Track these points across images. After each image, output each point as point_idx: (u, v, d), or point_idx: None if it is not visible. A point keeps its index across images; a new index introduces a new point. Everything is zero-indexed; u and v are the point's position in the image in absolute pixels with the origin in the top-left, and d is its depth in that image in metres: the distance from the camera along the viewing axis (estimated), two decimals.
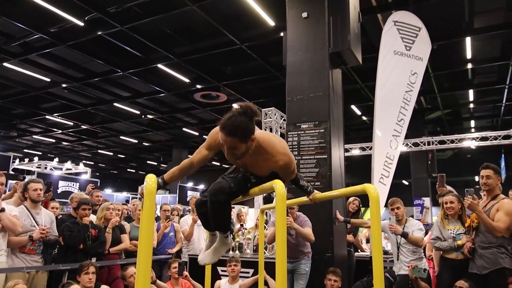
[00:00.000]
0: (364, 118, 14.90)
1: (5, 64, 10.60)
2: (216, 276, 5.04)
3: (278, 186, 1.90)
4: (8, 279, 3.62)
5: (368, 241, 6.13)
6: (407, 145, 11.55)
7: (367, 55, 7.42)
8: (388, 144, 5.52)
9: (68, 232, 4.18)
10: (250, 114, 2.12)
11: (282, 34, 5.83)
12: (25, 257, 3.96)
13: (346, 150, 11.13)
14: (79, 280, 3.68)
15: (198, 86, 12.29)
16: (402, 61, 5.74)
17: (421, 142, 11.84)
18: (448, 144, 11.79)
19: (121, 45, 9.60)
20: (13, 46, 9.77)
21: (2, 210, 3.67)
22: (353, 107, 13.70)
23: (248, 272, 5.09)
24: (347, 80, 10.85)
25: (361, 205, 5.49)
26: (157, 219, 5.88)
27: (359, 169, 10.10)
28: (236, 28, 8.86)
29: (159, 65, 10.67)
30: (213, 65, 10.91)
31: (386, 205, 4.89)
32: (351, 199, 5.48)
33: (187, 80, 11.78)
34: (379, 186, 5.36)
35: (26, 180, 4.68)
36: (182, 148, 20.23)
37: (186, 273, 4.79)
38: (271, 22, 8.44)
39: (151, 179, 1.77)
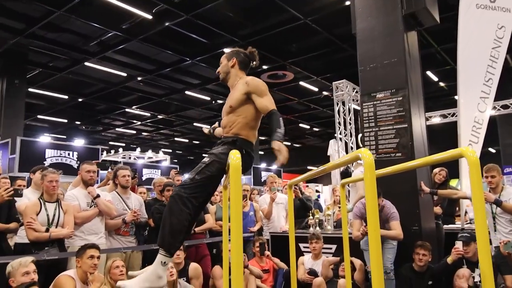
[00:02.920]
0: (441, 84, 13.87)
1: (86, 63, 11.43)
2: (298, 253, 5.07)
3: (365, 154, 1.79)
4: (108, 259, 3.95)
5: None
6: (494, 108, 10.56)
7: (442, 14, 6.86)
8: (476, 107, 5.06)
9: (157, 214, 4.45)
10: (251, 54, 2.77)
11: (348, 3, 5.57)
12: (121, 239, 4.29)
13: (426, 119, 10.49)
14: None
15: (264, 67, 12.26)
16: (486, 14, 5.17)
17: (511, 104, 10.75)
18: None
19: (188, 34, 9.85)
20: (91, 45, 10.46)
21: (98, 196, 3.98)
22: (428, 73, 12.81)
23: (330, 248, 5.05)
24: (421, 45, 10.09)
25: (448, 176, 5.15)
26: None
27: (441, 139, 9.45)
28: (299, 3, 8.63)
29: (225, 50, 10.80)
30: (278, 44, 10.79)
31: None
32: (436, 169, 5.16)
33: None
34: None
35: (115, 168, 5.04)
36: None
37: (267, 252, 4.88)
38: None
39: (235, 155, 1.77)
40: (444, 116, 10.61)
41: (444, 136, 7.42)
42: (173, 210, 2.28)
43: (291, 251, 3.50)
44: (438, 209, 5.04)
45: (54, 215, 3.65)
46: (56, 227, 3.63)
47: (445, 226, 5.18)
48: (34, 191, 3.99)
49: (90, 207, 3.99)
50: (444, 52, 10.87)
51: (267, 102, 2.49)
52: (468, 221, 5.61)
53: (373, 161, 1.79)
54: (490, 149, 18.36)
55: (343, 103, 8.47)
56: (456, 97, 5.54)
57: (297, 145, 26.72)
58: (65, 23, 9.24)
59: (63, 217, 3.70)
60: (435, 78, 13.40)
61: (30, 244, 3.51)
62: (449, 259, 3.85)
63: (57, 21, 9.10)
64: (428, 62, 11.72)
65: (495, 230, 4.05)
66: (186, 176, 2.53)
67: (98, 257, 3.30)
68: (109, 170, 4.89)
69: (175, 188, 2.43)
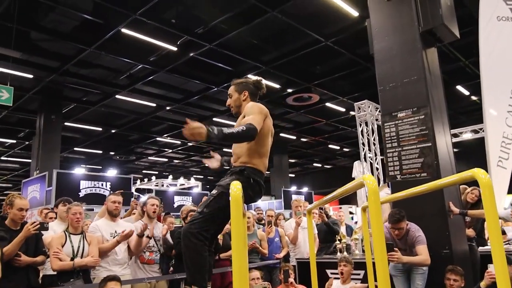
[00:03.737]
0: (473, 98, 13.44)
1: (117, 96, 11.90)
2: (325, 279, 4.94)
3: (369, 180, 1.76)
4: None
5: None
6: None
7: (467, 28, 6.71)
8: (504, 122, 4.84)
9: (177, 239, 4.48)
10: (257, 84, 2.84)
11: (366, 22, 5.56)
12: (146, 267, 4.31)
13: (456, 135, 10.10)
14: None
15: (289, 90, 12.33)
16: (508, 27, 5.02)
17: None
18: None
19: (212, 62, 10.10)
20: (121, 79, 10.91)
21: (142, 236, 4.06)
22: (459, 87, 12.46)
23: (359, 274, 4.88)
24: (448, 59, 9.92)
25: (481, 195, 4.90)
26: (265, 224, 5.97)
27: (474, 155, 9.09)
28: (320, 26, 8.71)
29: (249, 75, 10.96)
30: (301, 67, 10.87)
31: (509, 192, 4.31)
32: (469, 189, 4.94)
33: (277, 86, 11.91)
34: (498, 171, 4.74)
35: (146, 197, 5.14)
36: (282, 153, 20.45)
37: (291, 280, 4.78)
38: (354, 13, 8.12)
39: (236, 186, 1.77)
40: (476, 131, 10.22)
41: (478, 152, 7.12)
42: (188, 246, 2.33)
43: (313, 278, 3.42)
44: (471, 231, 4.80)
45: (78, 246, 3.74)
46: (81, 258, 3.72)
47: (480, 248, 4.91)
48: (59, 224, 4.12)
49: (114, 238, 4.06)
50: (473, 65, 10.59)
51: (248, 119, 2.49)
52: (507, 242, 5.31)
53: (376, 187, 1.75)
54: None
55: (366, 124, 8.34)
56: None
57: (328, 167, 26.38)
58: (96, 59, 9.72)
59: (88, 248, 3.78)
60: (467, 92, 13.02)
61: (56, 276, 3.60)
62: (483, 284, 3.63)
63: (89, 58, 9.58)
64: (457, 77, 11.44)
65: None
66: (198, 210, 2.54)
67: None
68: (132, 199, 4.99)
69: (184, 225, 2.47)
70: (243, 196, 1.81)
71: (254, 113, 2.53)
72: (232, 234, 1.73)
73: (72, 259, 3.66)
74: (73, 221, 3.77)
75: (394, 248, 3.87)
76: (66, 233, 3.77)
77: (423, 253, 3.92)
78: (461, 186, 4.96)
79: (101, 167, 21.68)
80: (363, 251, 5.68)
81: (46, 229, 3.64)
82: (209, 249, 2.45)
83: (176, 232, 4.75)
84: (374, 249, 1.69)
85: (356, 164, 8.95)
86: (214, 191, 2.46)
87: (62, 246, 3.66)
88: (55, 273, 3.66)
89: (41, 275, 3.96)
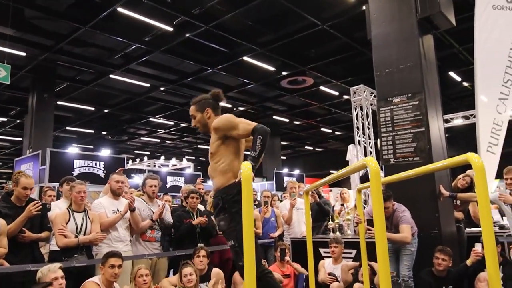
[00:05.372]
0: (465, 84, 13.62)
1: (111, 76, 11.84)
2: (319, 258, 5.12)
3: (371, 163, 1.86)
4: (134, 265, 4.11)
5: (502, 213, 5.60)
6: None
7: (462, 14, 6.78)
8: (495, 108, 4.99)
9: (177, 222, 4.62)
10: (216, 96, 2.71)
11: (364, 7, 5.62)
12: (147, 245, 4.43)
13: (447, 121, 10.26)
14: (193, 262, 4.06)
15: (284, 73, 12.37)
16: (503, 16, 5.11)
17: None
18: None
19: (208, 44, 10.08)
20: (116, 58, 10.84)
21: (134, 209, 4.17)
22: (451, 73, 12.62)
23: (350, 253, 5.08)
24: (442, 45, 10.02)
25: (473, 182, 5.07)
26: (258, 205, 6.13)
27: (464, 140, 9.28)
28: (316, 9, 8.71)
29: (245, 58, 10.97)
30: (297, 50, 10.89)
31: (497, 176, 4.48)
32: (461, 175, 5.09)
33: (272, 69, 11.94)
34: (487, 156, 4.92)
35: (144, 176, 5.21)
36: (274, 135, 20.58)
37: (287, 258, 4.95)
38: None
39: (246, 166, 1.87)
40: (466, 117, 10.41)
41: (468, 137, 7.30)
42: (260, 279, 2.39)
43: (309, 255, 3.58)
44: (459, 214, 4.99)
45: (82, 224, 3.83)
46: (84, 235, 3.82)
47: (467, 229, 5.12)
48: (64, 202, 4.19)
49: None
50: (466, 52, 10.72)
51: (244, 125, 2.51)
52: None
53: (378, 169, 1.86)
54: None
55: (361, 108, 8.47)
56: None
57: (320, 150, 26.63)
58: (91, 38, 9.64)
59: (90, 226, 3.88)
60: (458, 79, 13.18)
61: (60, 252, 3.71)
62: (469, 261, 3.83)
63: (83, 37, 9.49)
64: (450, 63, 11.57)
65: None
66: (229, 245, 2.61)
67: (120, 266, 3.44)
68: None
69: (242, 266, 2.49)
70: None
71: (236, 123, 2.53)
72: (244, 212, 1.83)
73: (76, 236, 3.76)
74: (77, 199, 3.86)
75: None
76: (70, 210, 3.85)
77: (404, 231, 4.06)
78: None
79: (92, 147, 21.60)
80: (355, 231, 5.88)
81: (48, 209, 3.74)
82: (262, 271, 2.54)
83: (175, 211, 4.87)
84: (375, 228, 1.81)
85: (350, 147, 9.10)
86: (224, 222, 2.54)
87: (66, 223, 3.75)
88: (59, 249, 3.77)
89: (45, 251, 4.07)
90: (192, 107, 2.77)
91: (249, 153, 2.51)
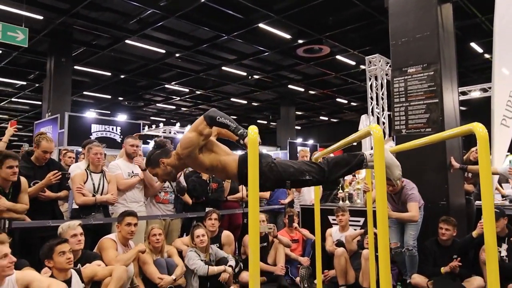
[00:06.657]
0: (486, 56, 13.22)
1: (126, 41, 11.84)
2: (327, 225, 5.25)
3: (375, 129, 1.89)
4: (148, 224, 4.30)
5: None
6: None
7: None
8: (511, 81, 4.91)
9: (192, 186, 4.77)
10: (161, 145, 2.59)
11: None
12: (161, 206, 4.61)
13: (464, 93, 10.07)
14: (205, 224, 4.23)
15: (300, 41, 12.18)
16: None
17: None
18: None
19: (223, 10, 9.94)
20: (131, 23, 10.80)
21: (145, 169, 4.30)
22: (473, 44, 12.24)
23: (359, 221, 5.18)
24: (464, 15, 9.69)
25: None
26: None
27: (483, 114, 9.09)
28: None
29: (260, 25, 10.81)
30: (313, 18, 10.66)
31: (510, 150, 4.46)
32: (474, 148, 5.06)
33: (288, 36, 11.76)
34: (501, 129, 4.87)
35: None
36: (289, 105, 20.50)
37: (295, 224, 5.08)
38: None
39: (253, 130, 1.93)
40: (485, 90, 10.19)
41: (487, 111, 7.19)
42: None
43: (316, 222, 3.67)
44: (470, 187, 5.00)
45: (99, 184, 4.01)
46: (101, 195, 4.00)
47: (477, 202, 5.14)
48: (86, 163, 4.35)
49: (131, 177, 4.33)
50: (489, 22, 10.35)
51: (195, 125, 2.44)
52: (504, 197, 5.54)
53: (382, 136, 1.90)
54: None
55: (376, 78, 8.36)
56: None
57: (335, 120, 26.46)
58: (106, 2, 9.60)
59: (107, 186, 4.05)
60: (480, 50, 12.80)
61: (78, 210, 3.90)
62: (474, 233, 3.89)
63: (98, 1, 9.47)
64: (472, 33, 11.21)
65: None
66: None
67: (136, 224, 3.61)
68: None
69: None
70: None
71: (190, 133, 2.46)
72: (249, 175, 1.89)
73: (93, 195, 3.94)
74: (94, 160, 4.02)
75: None
76: (87, 171, 4.02)
77: (412, 210, 4.09)
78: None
79: (109, 112, 21.91)
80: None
81: (68, 178, 3.91)
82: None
83: (188, 177, 5.02)
84: (376, 195, 1.87)
85: (363, 117, 9.07)
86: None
87: (84, 183, 3.93)
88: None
89: (64, 209, 4.28)
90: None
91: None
